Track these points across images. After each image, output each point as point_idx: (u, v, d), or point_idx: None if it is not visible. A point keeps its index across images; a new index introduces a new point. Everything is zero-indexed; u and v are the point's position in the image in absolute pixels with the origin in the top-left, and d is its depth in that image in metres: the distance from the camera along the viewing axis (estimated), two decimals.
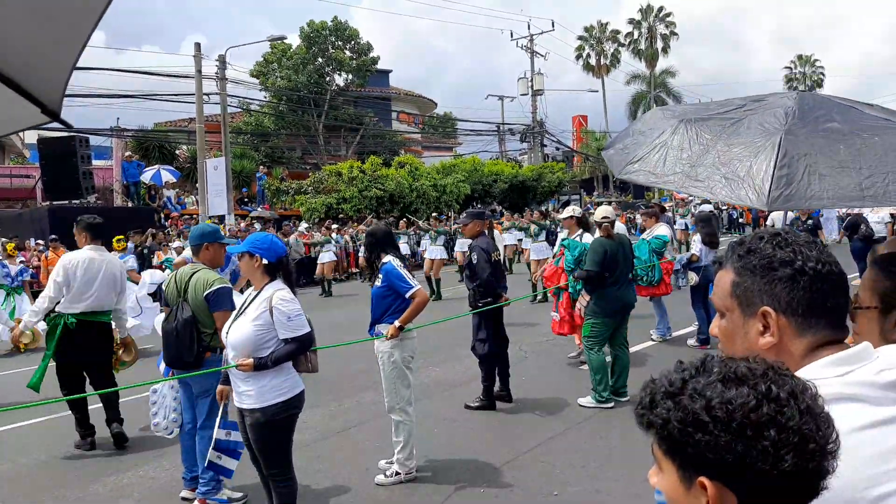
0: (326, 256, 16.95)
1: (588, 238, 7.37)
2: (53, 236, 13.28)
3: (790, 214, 15.67)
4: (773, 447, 0.85)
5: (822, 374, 1.14)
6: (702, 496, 0.90)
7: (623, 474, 4.59)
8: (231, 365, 3.51)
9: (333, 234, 18.51)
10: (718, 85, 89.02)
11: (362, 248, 16.81)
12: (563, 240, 7.81)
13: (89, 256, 5.65)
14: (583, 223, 7.60)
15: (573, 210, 7.81)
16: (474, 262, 6.22)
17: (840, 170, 2.69)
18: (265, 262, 3.57)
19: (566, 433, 5.51)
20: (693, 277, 8.30)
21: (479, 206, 27.51)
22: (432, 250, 14.85)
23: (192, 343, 4.25)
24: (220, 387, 3.89)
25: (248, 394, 3.54)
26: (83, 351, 5.64)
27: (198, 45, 20.70)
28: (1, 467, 5.38)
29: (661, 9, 49.63)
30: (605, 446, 5.16)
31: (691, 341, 8.45)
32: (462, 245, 16.20)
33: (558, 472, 4.71)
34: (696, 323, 8.45)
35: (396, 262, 4.77)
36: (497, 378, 6.37)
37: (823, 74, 55.44)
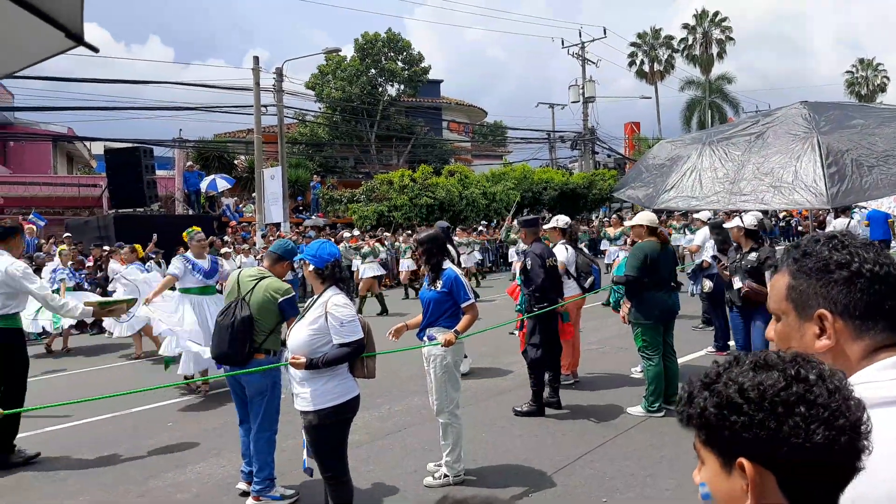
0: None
1: (560, 251, 7.26)
2: (119, 243, 13.71)
3: (853, 222, 15.18)
4: (803, 421, 0.89)
5: (878, 378, 1.15)
6: (742, 479, 0.93)
7: (673, 483, 4.53)
8: (284, 363, 3.63)
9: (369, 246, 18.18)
10: (777, 90, 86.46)
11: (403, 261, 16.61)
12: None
13: None
14: (568, 234, 7.47)
15: (556, 220, 7.61)
16: (528, 267, 6.28)
17: (885, 158, 2.69)
18: (311, 267, 3.73)
19: (616, 440, 5.47)
20: (707, 284, 8.16)
21: (529, 213, 27.42)
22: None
23: (245, 341, 4.39)
24: None
25: (303, 396, 3.67)
26: None
27: (256, 59, 21.33)
28: (64, 463, 5.62)
29: (716, 14, 48.67)
30: (655, 454, 5.10)
31: (709, 348, 8.27)
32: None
33: (608, 479, 4.68)
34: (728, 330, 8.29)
35: (458, 271, 4.90)
36: (547, 384, 6.37)
37: (888, 78, 53.28)
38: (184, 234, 7.98)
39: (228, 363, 4.52)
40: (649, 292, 6.10)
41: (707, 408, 0.95)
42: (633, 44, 48.41)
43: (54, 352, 11.10)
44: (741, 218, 6.14)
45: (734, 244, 6.35)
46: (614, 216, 16.19)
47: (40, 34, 1.21)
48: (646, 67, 48.46)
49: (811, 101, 3.40)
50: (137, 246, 11.02)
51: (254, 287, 4.51)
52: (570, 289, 7.22)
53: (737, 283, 6.01)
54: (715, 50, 48.66)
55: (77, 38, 1.24)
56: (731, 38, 48.82)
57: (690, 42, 48.82)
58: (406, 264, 16.09)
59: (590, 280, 7.36)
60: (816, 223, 15.93)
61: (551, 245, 7.23)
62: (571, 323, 7.14)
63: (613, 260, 14.29)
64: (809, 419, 0.89)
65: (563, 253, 7.24)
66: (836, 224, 15.56)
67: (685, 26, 48.97)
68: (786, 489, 0.92)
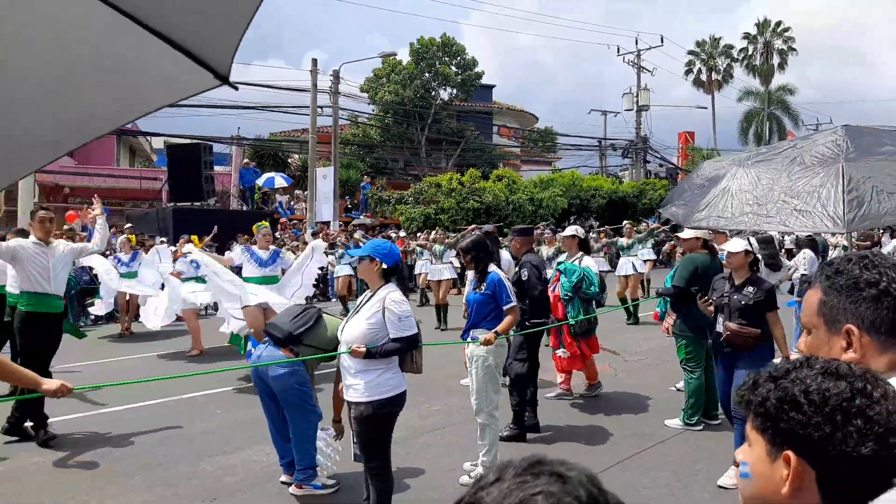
0: (342, 270, 14.68)
1: (588, 261, 6.93)
2: (185, 236, 13.89)
3: None
4: (857, 433, 0.97)
5: None
6: (784, 468, 1.01)
7: (708, 496, 4.55)
8: (346, 351, 3.78)
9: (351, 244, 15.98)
10: (841, 103, 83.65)
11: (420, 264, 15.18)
12: (559, 263, 7.14)
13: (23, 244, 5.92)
14: (584, 245, 7.14)
15: (575, 230, 7.33)
16: (524, 278, 5.95)
17: None
18: (384, 266, 3.85)
19: (651, 451, 5.48)
20: None
21: (575, 220, 27.25)
22: (436, 269, 13.02)
23: (300, 325, 4.59)
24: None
25: (356, 387, 3.79)
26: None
27: (314, 61, 21.89)
28: (119, 444, 5.90)
29: (778, 23, 47.41)
30: (691, 467, 5.10)
31: None
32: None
33: (641, 489, 4.72)
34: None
35: (502, 274, 5.04)
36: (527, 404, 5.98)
37: None
38: (253, 227, 8.94)
39: (273, 334, 4.67)
40: (696, 305, 6.06)
41: (769, 398, 1.03)
42: (690, 52, 47.56)
43: (124, 335, 11.76)
44: (749, 240, 4.90)
45: (727, 272, 5.13)
46: (627, 223, 14.65)
47: (191, 74, 1.31)
48: (703, 76, 47.52)
49: (852, 126, 3.46)
50: (194, 237, 11.41)
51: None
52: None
53: (720, 325, 4.90)
54: (776, 60, 47.41)
55: (223, 79, 1.34)
56: (794, 49, 47.50)
57: (751, 52, 47.66)
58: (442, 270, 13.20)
59: (604, 296, 7.07)
60: (871, 243, 15.49)
61: (575, 256, 7.04)
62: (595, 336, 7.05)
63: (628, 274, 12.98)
64: (863, 432, 0.96)
65: (595, 266, 7.02)
66: (890, 244, 15.17)
67: (745, 36, 47.85)
68: (823, 487, 0.99)
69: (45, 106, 1.43)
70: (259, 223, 8.90)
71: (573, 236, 7.14)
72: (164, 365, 9.30)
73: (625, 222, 16.23)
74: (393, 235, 18.40)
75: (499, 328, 4.88)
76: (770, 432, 1.03)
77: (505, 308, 4.93)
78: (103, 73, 1.38)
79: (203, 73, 1.32)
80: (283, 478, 4.87)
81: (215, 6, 1.23)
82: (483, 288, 5.00)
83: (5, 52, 1.30)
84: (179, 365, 9.20)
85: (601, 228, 21.36)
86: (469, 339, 5.03)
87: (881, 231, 15.80)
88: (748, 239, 4.98)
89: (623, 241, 13.53)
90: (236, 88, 1.42)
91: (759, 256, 5.14)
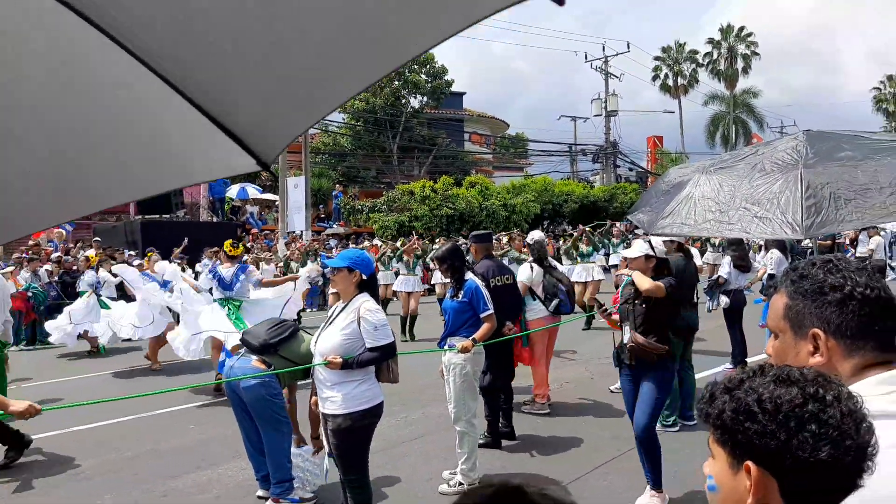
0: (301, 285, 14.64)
1: (520, 268, 6.93)
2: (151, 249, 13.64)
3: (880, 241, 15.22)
4: (812, 438, 0.96)
5: (868, 392, 1.22)
6: (746, 479, 1.01)
7: (687, 497, 4.57)
8: (322, 363, 3.72)
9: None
10: (805, 105, 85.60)
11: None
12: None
13: None
14: (536, 253, 6.99)
15: (528, 236, 7.34)
16: None
17: (863, 192, 2.83)
18: (364, 277, 3.81)
19: (630, 454, 5.48)
20: (724, 300, 8.22)
21: (548, 225, 27.46)
22: (404, 281, 12.57)
23: (275, 335, 4.56)
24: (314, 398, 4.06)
25: (332, 399, 3.73)
26: None
27: None
28: (89, 463, 5.77)
29: (741, 28, 48.44)
30: (669, 469, 5.09)
31: (727, 365, 8.24)
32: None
33: (620, 492, 4.73)
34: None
35: (480, 283, 5.02)
36: (500, 413, 5.95)
37: None
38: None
39: (249, 342, 4.64)
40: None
41: (725, 410, 1.03)
42: (657, 58, 48.33)
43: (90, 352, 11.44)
44: (650, 243, 4.50)
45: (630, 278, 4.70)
46: (588, 228, 14.41)
47: (235, 157, 1.33)
48: (670, 81, 48.32)
49: (813, 131, 3.56)
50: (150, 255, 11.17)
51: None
52: (535, 311, 6.82)
53: (627, 335, 4.57)
54: (740, 65, 48.38)
55: (265, 166, 1.36)
56: (757, 54, 48.52)
57: (715, 57, 48.59)
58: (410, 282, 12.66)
59: (554, 302, 6.82)
60: (832, 242, 16.06)
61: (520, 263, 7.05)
62: (531, 348, 6.77)
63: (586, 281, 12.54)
64: (818, 437, 0.96)
65: (525, 272, 6.85)
66: (871, 242, 15.83)
67: (710, 41, 48.79)
68: (786, 495, 0.99)
69: (78, 168, 1.43)
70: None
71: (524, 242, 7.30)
72: (132, 381, 9.11)
73: (587, 227, 15.93)
74: (367, 244, 18.29)
75: (476, 336, 4.87)
76: (729, 444, 1.03)
77: (482, 316, 4.93)
78: (151, 146, 1.40)
79: (247, 158, 1.34)
80: (260, 492, 4.79)
81: (281, 111, 1.25)
82: (460, 296, 4.99)
83: (49, 113, 1.31)
84: (147, 381, 9.02)
85: (571, 233, 21.46)
86: (446, 347, 5.01)
87: (858, 230, 16.30)
88: (649, 241, 4.52)
89: (582, 247, 13.29)
90: (276, 177, 1.42)
91: (667, 258, 4.67)
